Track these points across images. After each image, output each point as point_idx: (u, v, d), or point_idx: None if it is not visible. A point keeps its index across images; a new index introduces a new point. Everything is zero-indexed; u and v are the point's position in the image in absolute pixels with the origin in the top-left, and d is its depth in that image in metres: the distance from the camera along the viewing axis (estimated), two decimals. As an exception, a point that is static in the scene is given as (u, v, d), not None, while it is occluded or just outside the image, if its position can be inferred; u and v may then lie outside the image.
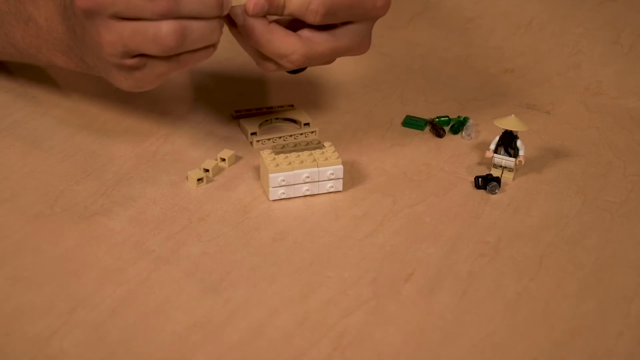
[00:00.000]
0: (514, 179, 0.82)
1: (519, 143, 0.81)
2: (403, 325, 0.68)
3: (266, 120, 0.89)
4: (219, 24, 0.73)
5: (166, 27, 0.70)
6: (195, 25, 0.71)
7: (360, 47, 0.78)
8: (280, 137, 0.87)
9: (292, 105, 0.90)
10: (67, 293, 0.69)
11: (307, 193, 0.79)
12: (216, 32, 0.73)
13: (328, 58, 0.78)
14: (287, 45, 0.75)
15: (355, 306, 0.69)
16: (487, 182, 0.81)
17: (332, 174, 0.79)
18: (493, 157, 0.82)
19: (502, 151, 0.81)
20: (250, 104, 0.91)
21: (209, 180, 0.81)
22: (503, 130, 0.81)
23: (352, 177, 0.82)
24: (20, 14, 0.79)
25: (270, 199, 0.79)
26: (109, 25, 0.71)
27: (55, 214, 0.77)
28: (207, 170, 0.81)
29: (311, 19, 0.74)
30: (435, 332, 0.67)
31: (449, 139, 0.88)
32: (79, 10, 0.71)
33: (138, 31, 0.70)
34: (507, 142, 0.81)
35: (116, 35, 0.71)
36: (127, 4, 0.69)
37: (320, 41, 0.76)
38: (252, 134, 0.86)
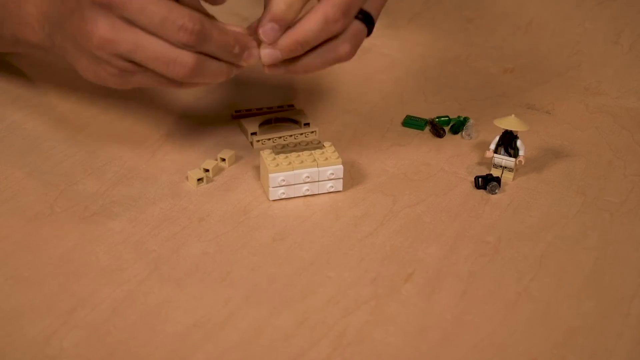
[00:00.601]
0: (514, 179, 0.82)
1: (519, 143, 0.81)
2: (403, 325, 0.68)
3: (266, 120, 0.89)
4: (231, 69, 0.73)
5: (187, 58, 0.70)
6: (212, 64, 0.72)
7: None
8: (280, 137, 0.87)
9: (292, 105, 0.90)
10: (67, 293, 0.69)
11: (307, 193, 0.79)
12: (225, 75, 0.73)
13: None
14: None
15: (355, 306, 0.69)
16: (487, 182, 0.81)
17: (332, 174, 0.79)
18: (493, 157, 0.82)
19: (502, 151, 0.81)
20: (250, 104, 0.91)
21: (209, 180, 0.81)
22: (503, 130, 0.81)
23: (352, 177, 0.82)
24: None
25: (270, 199, 0.78)
26: (114, 24, 0.69)
27: (55, 214, 0.77)
28: (207, 170, 0.81)
29: (335, 30, 0.73)
30: (435, 332, 0.67)
31: (449, 139, 0.88)
32: None
33: (154, 50, 0.69)
34: (507, 142, 0.81)
35: (119, 37, 0.69)
36: (153, 22, 0.69)
37: None
38: (252, 134, 0.86)
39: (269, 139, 0.86)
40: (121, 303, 0.69)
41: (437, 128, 0.88)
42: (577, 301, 0.70)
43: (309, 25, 0.72)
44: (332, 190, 0.80)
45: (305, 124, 0.88)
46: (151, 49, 0.70)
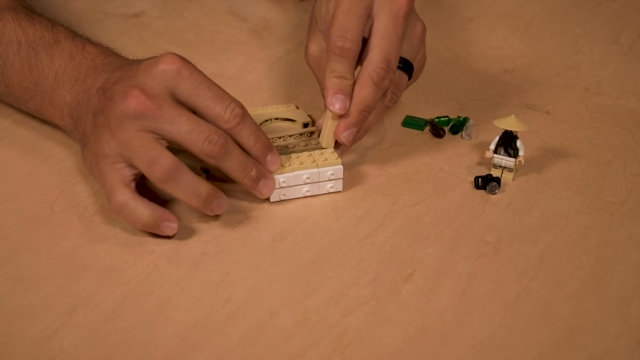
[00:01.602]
0: (513, 179, 0.82)
1: (518, 143, 0.81)
2: (403, 325, 0.68)
3: (266, 120, 0.89)
4: (223, 205, 0.76)
5: (167, 160, 0.72)
6: (218, 197, 0.75)
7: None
8: (280, 137, 0.87)
9: (293, 106, 0.90)
10: (67, 293, 0.69)
11: (308, 194, 0.79)
12: (222, 207, 0.76)
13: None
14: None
15: (355, 306, 0.69)
16: (487, 182, 0.81)
17: (332, 174, 0.79)
18: (493, 157, 0.82)
19: (502, 151, 0.81)
20: (250, 104, 0.91)
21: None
22: (503, 131, 0.81)
23: (352, 177, 0.82)
24: (29, 59, 0.80)
25: (271, 200, 0.78)
26: (138, 134, 0.72)
27: (55, 214, 0.77)
28: (207, 170, 0.81)
29: (385, 85, 0.78)
30: (435, 332, 0.67)
31: (449, 139, 0.88)
32: (125, 111, 0.72)
33: (167, 160, 0.72)
34: (507, 142, 0.81)
35: (138, 141, 0.72)
36: (180, 132, 0.72)
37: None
38: (252, 134, 0.86)
39: (269, 139, 0.86)
40: (121, 303, 0.69)
41: (437, 128, 0.88)
42: (577, 301, 0.70)
43: (363, 93, 0.77)
44: (332, 190, 0.80)
45: (305, 124, 0.88)
46: (164, 159, 0.72)
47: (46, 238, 0.74)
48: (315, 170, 0.78)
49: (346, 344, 0.66)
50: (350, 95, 0.77)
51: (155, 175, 0.72)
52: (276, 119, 0.89)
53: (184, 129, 0.72)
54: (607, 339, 0.67)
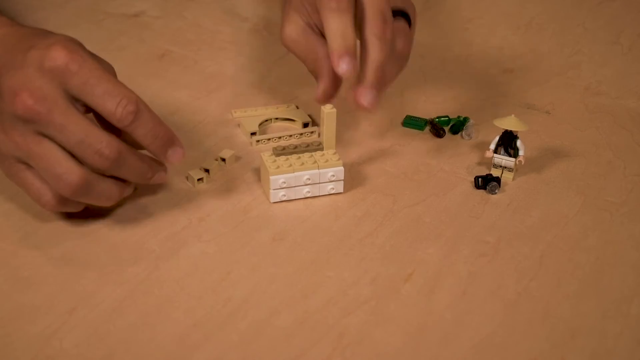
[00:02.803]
0: (514, 179, 0.82)
1: (518, 143, 0.81)
2: (403, 325, 0.68)
3: (266, 120, 0.89)
4: (123, 191, 0.74)
5: (73, 177, 0.69)
6: (101, 184, 0.72)
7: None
8: (280, 137, 0.87)
9: (293, 106, 0.90)
10: (67, 293, 0.69)
11: (308, 195, 0.79)
12: (115, 198, 0.73)
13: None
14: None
15: (355, 306, 0.69)
16: (487, 182, 0.81)
17: (333, 175, 0.79)
18: (493, 157, 0.82)
19: (502, 151, 0.81)
20: (250, 104, 0.91)
21: (209, 180, 0.81)
22: (503, 130, 0.81)
23: (352, 177, 0.82)
24: None
25: (271, 201, 0.78)
26: (26, 135, 0.68)
27: (55, 214, 0.77)
28: (207, 170, 0.81)
29: (388, 34, 0.76)
30: (435, 332, 0.67)
31: (449, 139, 0.88)
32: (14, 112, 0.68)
33: (48, 158, 0.69)
34: (507, 142, 0.81)
35: (24, 143, 0.69)
36: (69, 142, 0.68)
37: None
38: (252, 134, 0.86)
39: (269, 139, 0.86)
40: (121, 303, 0.69)
41: (437, 128, 0.88)
42: (577, 301, 0.70)
43: (371, 51, 0.75)
44: (332, 192, 0.80)
45: (305, 124, 0.88)
46: (48, 158, 0.69)
47: (46, 238, 0.74)
48: (316, 171, 0.78)
49: (346, 344, 0.66)
50: (355, 55, 0.75)
51: (64, 192, 0.69)
52: (276, 119, 0.89)
53: (73, 139, 0.68)
54: (607, 339, 0.67)
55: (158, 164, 0.74)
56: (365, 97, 0.76)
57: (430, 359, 0.66)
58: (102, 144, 0.68)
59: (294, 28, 0.79)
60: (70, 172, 0.69)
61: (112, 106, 0.68)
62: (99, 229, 0.75)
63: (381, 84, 0.77)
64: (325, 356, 0.65)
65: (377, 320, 0.68)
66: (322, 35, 0.78)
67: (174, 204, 0.78)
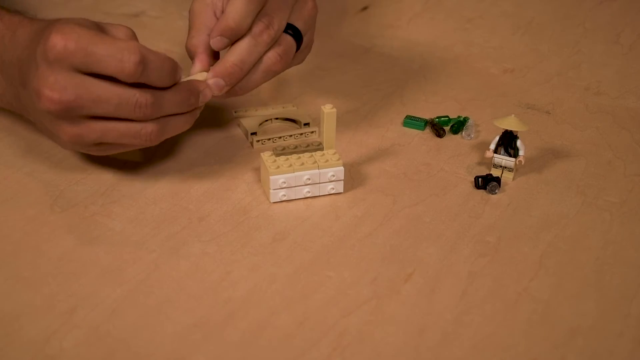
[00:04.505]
0: (514, 179, 0.82)
1: (519, 143, 0.81)
2: (403, 325, 0.68)
3: (266, 120, 0.89)
4: (194, 116, 0.77)
5: (149, 127, 0.73)
6: (173, 120, 0.75)
7: None
8: (280, 137, 0.87)
9: (293, 106, 0.90)
10: (67, 293, 0.69)
11: (308, 195, 0.79)
12: (190, 122, 0.77)
13: None
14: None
15: (355, 306, 0.69)
16: (487, 182, 0.81)
17: (333, 175, 0.79)
18: (493, 157, 0.82)
19: (502, 151, 0.81)
20: (250, 104, 0.91)
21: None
22: (503, 130, 0.81)
23: (352, 177, 0.82)
24: None
25: (271, 201, 0.78)
26: (76, 123, 0.72)
27: (55, 214, 0.77)
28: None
29: (275, 69, 0.80)
30: (435, 332, 0.67)
31: (449, 139, 0.88)
32: (42, 111, 0.72)
33: (118, 130, 0.73)
34: (507, 142, 0.81)
35: (84, 132, 0.73)
36: (109, 110, 0.71)
37: None
38: (252, 134, 0.86)
39: (269, 139, 0.86)
40: (121, 303, 0.69)
41: (437, 128, 0.88)
42: (577, 301, 0.70)
43: (239, 44, 0.77)
44: (333, 192, 0.80)
45: (305, 124, 0.88)
46: (115, 130, 0.73)
47: (46, 238, 0.74)
48: (316, 171, 0.78)
49: (346, 344, 0.66)
50: (232, 39, 0.77)
51: (150, 141, 0.74)
52: (276, 119, 0.89)
53: (110, 107, 0.71)
54: (607, 339, 0.67)
55: (195, 88, 0.75)
56: (211, 80, 0.77)
57: (430, 359, 0.66)
58: (135, 97, 0.71)
59: (201, 2, 0.80)
60: (145, 125, 0.73)
61: (118, 65, 0.70)
62: (99, 229, 0.75)
63: (231, 78, 0.77)
64: (325, 356, 0.65)
65: (377, 320, 0.68)
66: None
67: (174, 204, 0.78)
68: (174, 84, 0.74)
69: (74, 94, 0.70)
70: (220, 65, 0.77)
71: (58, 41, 0.70)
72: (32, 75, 0.72)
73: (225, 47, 0.78)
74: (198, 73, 0.78)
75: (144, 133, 0.73)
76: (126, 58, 0.70)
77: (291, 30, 0.80)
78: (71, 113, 0.71)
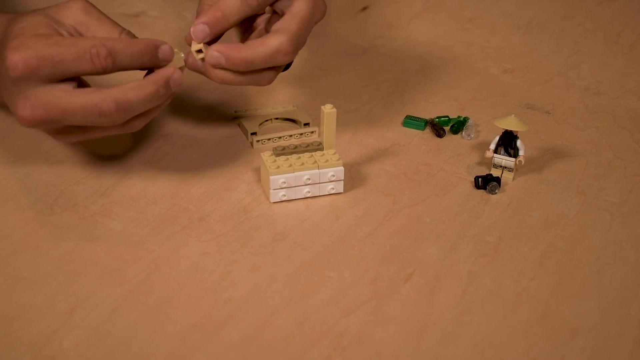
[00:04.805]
0: (514, 179, 0.82)
1: (519, 143, 0.81)
2: (403, 325, 0.68)
3: (266, 120, 0.89)
4: (169, 100, 0.75)
5: (123, 125, 0.73)
6: (148, 113, 0.74)
7: None
8: (280, 137, 0.87)
9: (293, 106, 0.90)
10: (67, 293, 0.69)
11: (308, 195, 0.79)
12: (163, 107, 0.75)
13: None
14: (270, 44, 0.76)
15: (355, 306, 0.69)
16: (487, 182, 0.81)
17: (333, 175, 0.79)
18: (493, 157, 0.82)
19: (502, 151, 0.81)
20: (250, 104, 0.91)
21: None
22: (503, 130, 0.81)
23: (352, 177, 0.82)
24: None
25: (271, 201, 0.78)
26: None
27: (55, 214, 0.77)
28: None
29: (282, 61, 0.77)
30: (435, 332, 0.67)
31: (449, 139, 0.88)
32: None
33: (95, 134, 0.73)
34: (507, 142, 0.81)
35: (67, 137, 0.74)
36: (78, 120, 0.71)
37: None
38: (252, 134, 0.86)
39: (269, 139, 0.86)
40: (121, 303, 0.69)
41: (437, 128, 0.88)
42: (577, 301, 0.70)
43: (262, 49, 0.76)
44: (332, 192, 0.80)
45: (305, 124, 0.88)
46: (94, 134, 0.73)
47: (46, 238, 0.74)
48: (316, 171, 0.78)
49: (346, 344, 0.66)
50: (214, 30, 0.76)
51: (114, 119, 0.71)
52: (276, 118, 0.89)
53: (78, 117, 0.70)
54: (607, 339, 0.67)
55: (152, 43, 0.73)
56: (215, 55, 0.75)
57: (430, 359, 0.66)
58: (96, 107, 0.70)
59: None
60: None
61: (88, 64, 0.70)
62: (99, 229, 0.75)
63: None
64: (325, 356, 0.65)
65: (377, 320, 0.68)
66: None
67: (174, 204, 0.78)
68: (142, 82, 0.72)
69: (43, 111, 0.70)
70: (234, 52, 0.75)
71: (18, 60, 0.69)
72: (4, 89, 0.72)
73: (205, 39, 0.76)
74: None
75: (117, 129, 0.73)
76: (94, 54, 0.70)
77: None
78: (49, 125, 0.72)
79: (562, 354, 0.66)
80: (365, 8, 1.11)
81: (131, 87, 0.71)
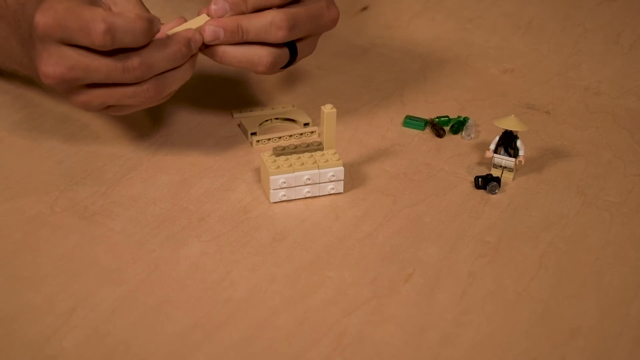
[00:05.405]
0: (514, 179, 0.82)
1: (519, 143, 0.81)
2: (403, 325, 0.68)
3: (266, 120, 0.89)
4: (192, 63, 0.77)
5: (146, 86, 0.74)
6: (171, 74, 0.75)
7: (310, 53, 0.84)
8: (280, 137, 0.87)
9: (293, 106, 0.90)
10: (67, 293, 0.69)
11: (308, 195, 0.79)
12: (189, 72, 0.77)
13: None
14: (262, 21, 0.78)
15: (355, 306, 0.69)
16: (487, 182, 0.81)
17: (333, 175, 0.79)
18: (493, 157, 0.82)
19: (502, 151, 0.81)
20: (250, 104, 0.91)
21: None
22: (503, 130, 0.81)
23: (352, 177, 0.82)
24: None
25: (271, 201, 0.78)
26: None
27: (55, 214, 0.77)
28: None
29: (275, 36, 0.78)
30: (435, 332, 0.67)
31: (449, 139, 0.88)
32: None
33: (117, 93, 0.74)
34: (507, 142, 0.81)
35: (89, 98, 0.75)
36: (100, 76, 0.72)
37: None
38: (252, 134, 0.86)
39: (269, 139, 0.86)
40: (121, 303, 0.69)
41: (437, 128, 0.88)
42: (577, 301, 0.70)
43: (256, 19, 0.77)
44: (333, 192, 0.80)
45: (305, 124, 0.88)
46: (115, 94, 0.74)
47: (46, 238, 0.74)
48: (316, 171, 0.78)
49: (346, 344, 0.66)
50: (229, 6, 0.77)
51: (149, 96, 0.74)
52: (276, 118, 0.89)
53: (102, 74, 0.72)
54: (607, 339, 0.67)
55: (183, 37, 0.75)
56: (212, 28, 0.77)
57: (430, 359, 0.66)
58: (121, 62, 0.72)
59: None
60: (135, 88, 0.74)
61: (89, 38, 0.71)
62: (99, 229, 0.75)
63: (231, 37, 0.77)
64: (325, 356, 0.65)
65: (377, 320, 0.68)
66: None
67: (174, 204, 0.78)
68: (165, 40, 0.74)
69: (66, 67, 0.72)
70: (229, 19, 0.77)
71: (39, 19, 0.72)
72: (33, 48, 0.74)
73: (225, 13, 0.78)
74: (197, 17, 0.78)
75: (141, 92, 0.74)
76: (92, 30, 0.70)
77: (293, 46, 0.80)
78: (70, 84, 0.73)
79: (562, 354, 0.66)
80: (365, 8, 1.11)
81: (155, 45, 0.73)
